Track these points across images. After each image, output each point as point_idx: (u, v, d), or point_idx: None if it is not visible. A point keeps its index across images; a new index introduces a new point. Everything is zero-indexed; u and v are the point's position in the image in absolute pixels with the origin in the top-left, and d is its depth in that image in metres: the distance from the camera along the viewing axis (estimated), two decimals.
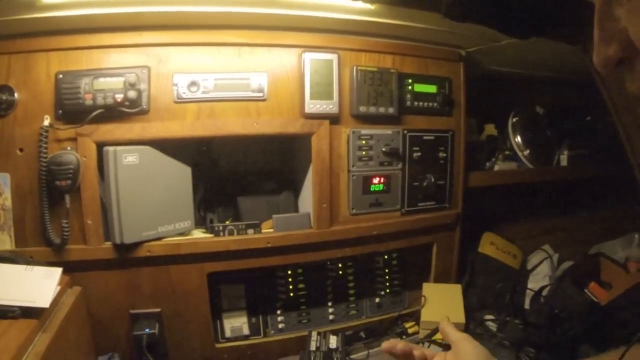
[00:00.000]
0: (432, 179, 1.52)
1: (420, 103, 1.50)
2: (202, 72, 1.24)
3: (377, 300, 1.59)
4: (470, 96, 1.61)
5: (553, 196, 2.05)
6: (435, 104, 1.52)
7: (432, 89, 1.51)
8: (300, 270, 1.49)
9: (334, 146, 1.38)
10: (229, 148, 1.55)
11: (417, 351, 0.73)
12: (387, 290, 1.61)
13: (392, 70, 1.42)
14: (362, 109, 1.39)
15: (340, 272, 1.55)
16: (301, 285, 1.49)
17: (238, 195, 1.48)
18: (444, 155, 1.56)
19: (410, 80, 1.47)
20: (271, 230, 1.38)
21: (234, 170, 1.56)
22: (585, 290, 1.67)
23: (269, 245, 1.33)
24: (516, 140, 1.79)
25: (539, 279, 1.80)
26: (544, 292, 1.68)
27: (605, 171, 1.94)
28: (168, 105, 1.22)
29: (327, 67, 1.33)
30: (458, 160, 1.60)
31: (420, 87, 1.49)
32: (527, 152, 1.78)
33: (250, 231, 1.35)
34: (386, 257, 1.61)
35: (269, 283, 1.45)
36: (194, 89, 1.23)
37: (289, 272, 1.48)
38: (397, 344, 0.73)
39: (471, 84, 1.61)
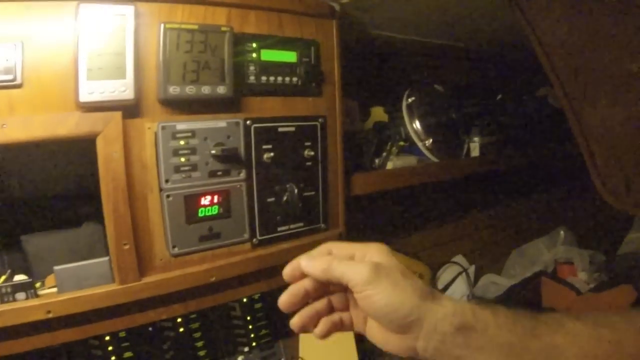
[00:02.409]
0: (296, 190, 1.06)
1: (272, 78, 1.03)
2: None
3: (240, 358, 1.18)
4: (350, 70, 1.18)
5: (461, 192, 1.72)
6: (295, 79, 1.06)
7: (290, 57, 1.05)
8: (123, 334, 1.05)
9: (132, 152, 0.88)
10: (29, 164, 1.03)
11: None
12: (253, 344, 1.21)
13: (225, 29, 0.93)
14: (174, 90, 0.89)
15: (181, 330, 1.13)
16: (128, 354, 1.06)
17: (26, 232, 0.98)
18: (312, 153, 1.09)
19: (254, 45, 1.00)
20: (55, 290, 0.87)
21: (32, 194, 1.05)
22: None
23: (51, 315, 0.83)
24: (414, 126, 1.38)
25: None
26: None
27: (525, 159, 1.66)
28: None
29: (116, 28, 0.82)
30: (334, 159, 1.14)
31: (271, 55, 1.02)
32: (429, 141, 1.37)
33: (21, 295, 0.84)
34: (245, 300, 1.19)
35: (82, 354, 1.02)
36: None
37: (107, 338, 1.04)
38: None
39: (350, 55, 1.18)
